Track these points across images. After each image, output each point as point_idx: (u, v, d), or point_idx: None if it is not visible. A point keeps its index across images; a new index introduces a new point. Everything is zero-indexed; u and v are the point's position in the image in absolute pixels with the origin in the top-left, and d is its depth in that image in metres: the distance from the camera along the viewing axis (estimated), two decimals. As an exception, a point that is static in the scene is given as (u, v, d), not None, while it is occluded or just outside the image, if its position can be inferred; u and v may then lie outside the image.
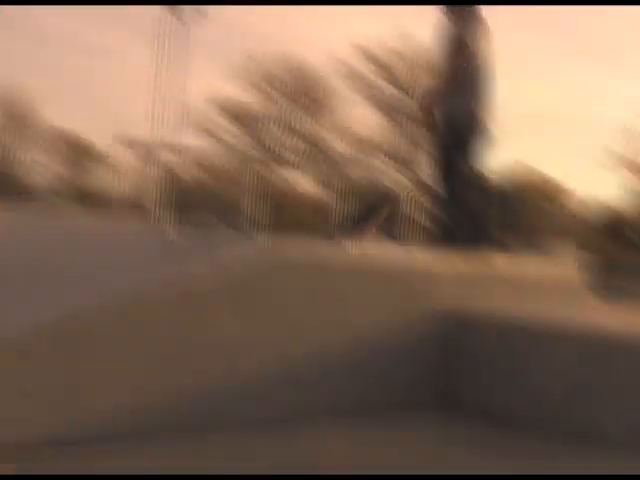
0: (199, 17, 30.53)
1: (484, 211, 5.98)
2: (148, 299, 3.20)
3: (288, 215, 39.80)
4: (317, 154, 40.28)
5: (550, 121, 60.79)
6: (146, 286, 3.24)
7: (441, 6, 6.11)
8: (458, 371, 4.41)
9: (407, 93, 38.85)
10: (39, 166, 41.83)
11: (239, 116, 40.52)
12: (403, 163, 39.11)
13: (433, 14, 6.14)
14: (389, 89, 39.15)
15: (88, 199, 39.35)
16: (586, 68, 60.70)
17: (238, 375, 3.52)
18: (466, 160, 5.90)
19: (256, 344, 3.60)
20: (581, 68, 62.14)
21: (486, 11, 6.10)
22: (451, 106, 5.91)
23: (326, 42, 64.59)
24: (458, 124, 5.88)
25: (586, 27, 62.36)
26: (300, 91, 40.23)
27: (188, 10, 29.54)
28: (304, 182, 40.23)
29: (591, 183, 71.61)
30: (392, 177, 38.47)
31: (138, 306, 3.17)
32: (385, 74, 38.91)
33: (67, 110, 62.91)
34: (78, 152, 43.66)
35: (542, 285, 5.19)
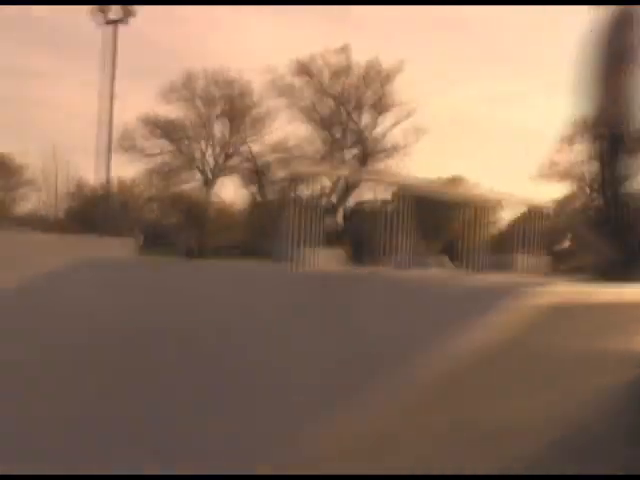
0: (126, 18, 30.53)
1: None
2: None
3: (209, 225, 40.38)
4: (246, 166, 40.96)
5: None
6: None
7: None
8: None
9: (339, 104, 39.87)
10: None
11: (167, 132, 41.00)
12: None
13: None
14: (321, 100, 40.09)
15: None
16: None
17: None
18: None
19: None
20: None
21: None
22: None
23: (261, 56, 65.03)
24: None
25: None
26: (231, 105, 40.85)
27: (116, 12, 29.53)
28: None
29: None
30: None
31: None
32: (318, 86, 39.88)
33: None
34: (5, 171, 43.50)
35: None
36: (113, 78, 30.64)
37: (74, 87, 61.91)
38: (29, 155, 44.51)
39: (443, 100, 64.54)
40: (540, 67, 60.37)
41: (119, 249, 16.96)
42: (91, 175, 44.46)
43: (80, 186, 46.87)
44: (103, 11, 30.74)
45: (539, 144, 65.83)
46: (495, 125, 64.03)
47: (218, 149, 41.79)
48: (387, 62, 39.76)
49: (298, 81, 40.27)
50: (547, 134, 67.23)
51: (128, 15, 30.95)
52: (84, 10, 31.48)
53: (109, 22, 30.91)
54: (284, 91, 40.08)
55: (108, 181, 32.44)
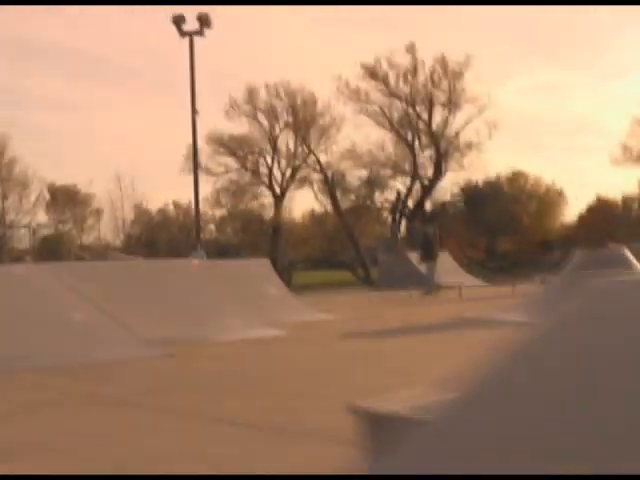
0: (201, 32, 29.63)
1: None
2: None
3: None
4: (316, 177, 39.86)
5: None
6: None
7: None
8: None
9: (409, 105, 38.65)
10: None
11: (232, 149, 40.05)
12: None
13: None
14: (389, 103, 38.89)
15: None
16: None
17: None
18: None
19: None
20: None
21: None
22: None
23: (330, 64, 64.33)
24: None
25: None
26: (295, 117, 39.79)
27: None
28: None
29: None
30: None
31: None
32: (385, 89, 38.67)
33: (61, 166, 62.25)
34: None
35: None
36: (193, 94, 29.47)
37: (135, 114, 61.50)
38: (94, 185, 43.96)
39: (501, 92, 63.25)
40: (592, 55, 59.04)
41: (260, 269, 15.96)
42: (155, 199, 43.78)
43: (142, 211, 46.31)
44: (177, 22, 29.49)
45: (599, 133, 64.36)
46: (552, 116, 62.73)
47: (284, 162, 40.72)
48: (453, 59, 38.49)
49: (365, 86, 39.10)
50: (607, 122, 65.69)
51: (205, 26, 29.69)
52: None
53: (184, 34, 29.66)
54: (351, 97, 38.91)
55: (197, 201, 31.10)
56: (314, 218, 49.71)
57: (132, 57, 63.81)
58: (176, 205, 49.65)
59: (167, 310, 12.01)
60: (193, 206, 32.68)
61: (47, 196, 42.86)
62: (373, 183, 39.55)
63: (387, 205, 40.30)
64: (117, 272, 13.10)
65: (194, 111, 29.71)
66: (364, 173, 39.91)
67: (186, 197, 45.21)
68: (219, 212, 42.76)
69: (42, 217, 43.49)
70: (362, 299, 21.53)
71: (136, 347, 10.71)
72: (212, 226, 48.88)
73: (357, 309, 17.83)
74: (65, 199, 43.28)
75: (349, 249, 38.59)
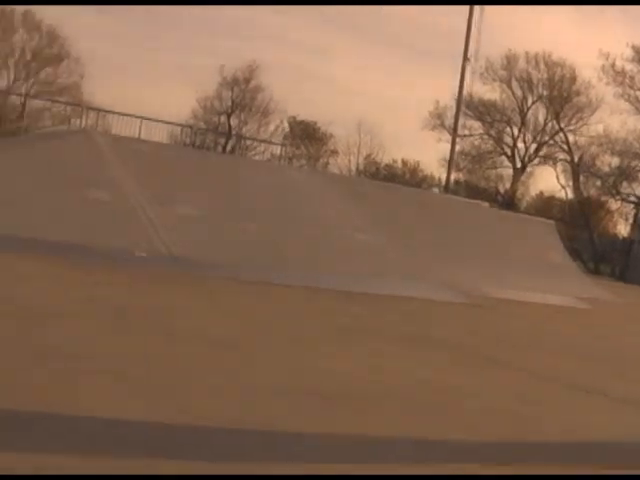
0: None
1: None
2: None
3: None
4: (562, 157, 38.06)
5: None
6: None
7: None
8: None
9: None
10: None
11: (480, 114, 38.88)
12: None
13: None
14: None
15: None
16: None
17: None
18: None
19: None
20: None
21: None
22: None
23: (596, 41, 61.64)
24: None
25: None
26: (551, 90, 38.04)
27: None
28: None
29: None
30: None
31: None
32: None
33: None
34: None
35: None
36: (467, 42, 29.19)
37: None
38: (334, 127, 44.11)
39: None
40: None
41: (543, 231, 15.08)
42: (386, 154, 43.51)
43: (370, 162, 46.16)
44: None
45: None
46: None
47: (530, 136, 39.09)
48: None
49: (632, 69, 36.68)
50: None
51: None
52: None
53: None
54: (615, 79, 36.61)
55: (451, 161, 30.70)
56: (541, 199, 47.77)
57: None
58: (404, 163, 49.05)
59: (458, 255, 11.35)
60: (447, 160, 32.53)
61: (286, 127, 43.29)
62: (623, 172, 37.24)
63: (633, 198, 37.89)
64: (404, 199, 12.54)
65: (465, 58, 29.27)
66: (614, 161, 37.65)
67: (414, 156, 44.62)
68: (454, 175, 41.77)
69: (276, 149, 44.09)
70: (617, 287, 20.21)
71: (434, 289, 10.08)
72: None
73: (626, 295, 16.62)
74: (303, 134, 43.57)
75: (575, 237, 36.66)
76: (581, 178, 37.67)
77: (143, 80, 55.86)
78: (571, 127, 38.23)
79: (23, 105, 40.93)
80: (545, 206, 44.36)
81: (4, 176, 10.14)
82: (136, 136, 22.23)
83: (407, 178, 48.19)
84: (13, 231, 8.55)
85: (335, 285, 9.22)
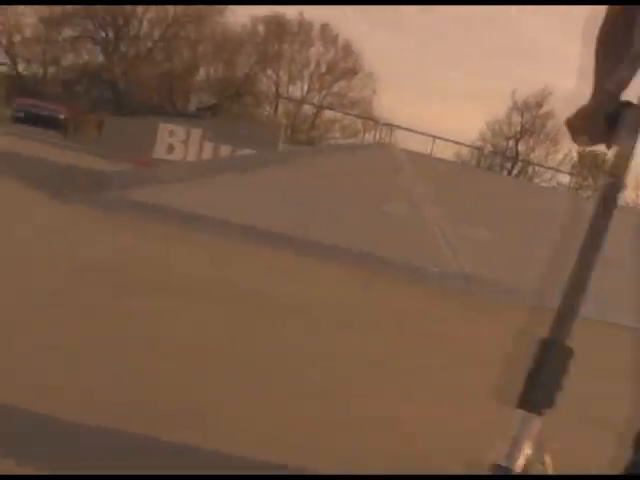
0: None
1: None
2: None
3: None
4: None
5: None
6: None
7: None
8: None
9: None
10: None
11: None
12: None
13: None
14: None
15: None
16: None
17: None
18: None
19: None
20: None
21: None
22: None
23: None
24: None
25: None
26: None
27: None
28: None
29: None
30: None
31: None
32: None
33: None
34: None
35: None
36: None
37: None
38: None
39: None
40: None
41: None
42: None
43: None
44: None
45: None
46: None
47: None
48: None
49: None
50: None
51: None
52: None
53: None
54: None
55: None
56: None
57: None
58: None
59: None
60: None
61: (575, 157, 42.02)
62: None
63: None
64: None
65: None
66: None
67: None
68: None
69: (563, 177, 42.75)
70: None
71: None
72: None
73: None
74: (592, 164, 42.02)
75: None
76: None
77: (432, 98, 56.42)
78: None
79: (315, 115, 42.64)
80: None
81: (306, 183, 10.55)
82: (427, 153, 22.42)
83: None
84: (322, 238, 8.87)
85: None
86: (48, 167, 13.66)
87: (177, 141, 21.80)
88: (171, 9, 59.05)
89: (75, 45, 57.32)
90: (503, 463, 1.57)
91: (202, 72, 60.48)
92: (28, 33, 59.54)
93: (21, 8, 60.08)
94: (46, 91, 41.41)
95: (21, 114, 34.58)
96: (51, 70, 59.71)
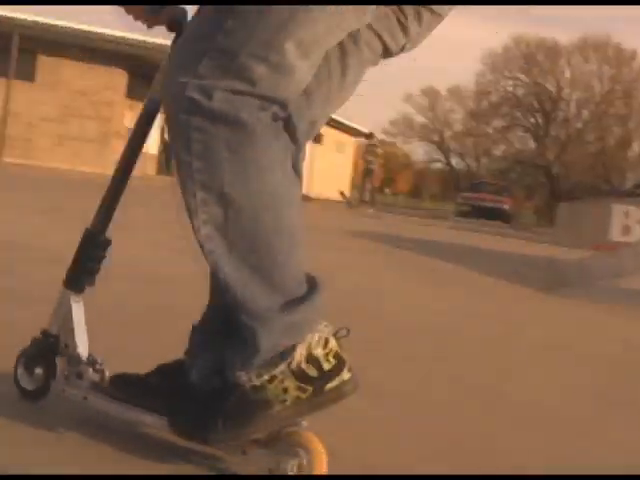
0: None
1: None
2: None
3: None
4: None
5: None
6: None
7: None
8: None
9: None
10: None
11: None
12: None
13: None
14: None
15: None
16: None
17: None
18: None
19: None
20: None
21: None
22: None
23: None
24: None
25: None
26: None
27: None
28: None
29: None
30: None
31: None
32: None
33: None
34: None
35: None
36: None
37: None
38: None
39: None
40: None
41: None
42: None
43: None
44: None
45: None
46: None
47: None
48: None
49: None
50: None
51: None
52: None
53: None
54: None
55: None
56: None
57: None
58: None
59: None
60: None
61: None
62: None
63: None
64: None
65: None
66: None
67: None
68: None
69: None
70: None
71: None
72: None
73: None
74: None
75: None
76: None
77: None
78: None
79: None
80: None
81: None
82: None
83: None
84: None
85: None
86: (511, 259, 13.41)
87: (633, 222, 20.53)
88: (597, 87, 57.92)
89: (505, 134, 58.35)
90: (47, 328, 1.93)
91: (635, 146, 58.13)
92: (458, 128, 61.98)
93: (449, 104, 62.72)
94: (482, 184, 42.45)
95: (466, 207, 35.80)
96: (483, 161, 61.21)
